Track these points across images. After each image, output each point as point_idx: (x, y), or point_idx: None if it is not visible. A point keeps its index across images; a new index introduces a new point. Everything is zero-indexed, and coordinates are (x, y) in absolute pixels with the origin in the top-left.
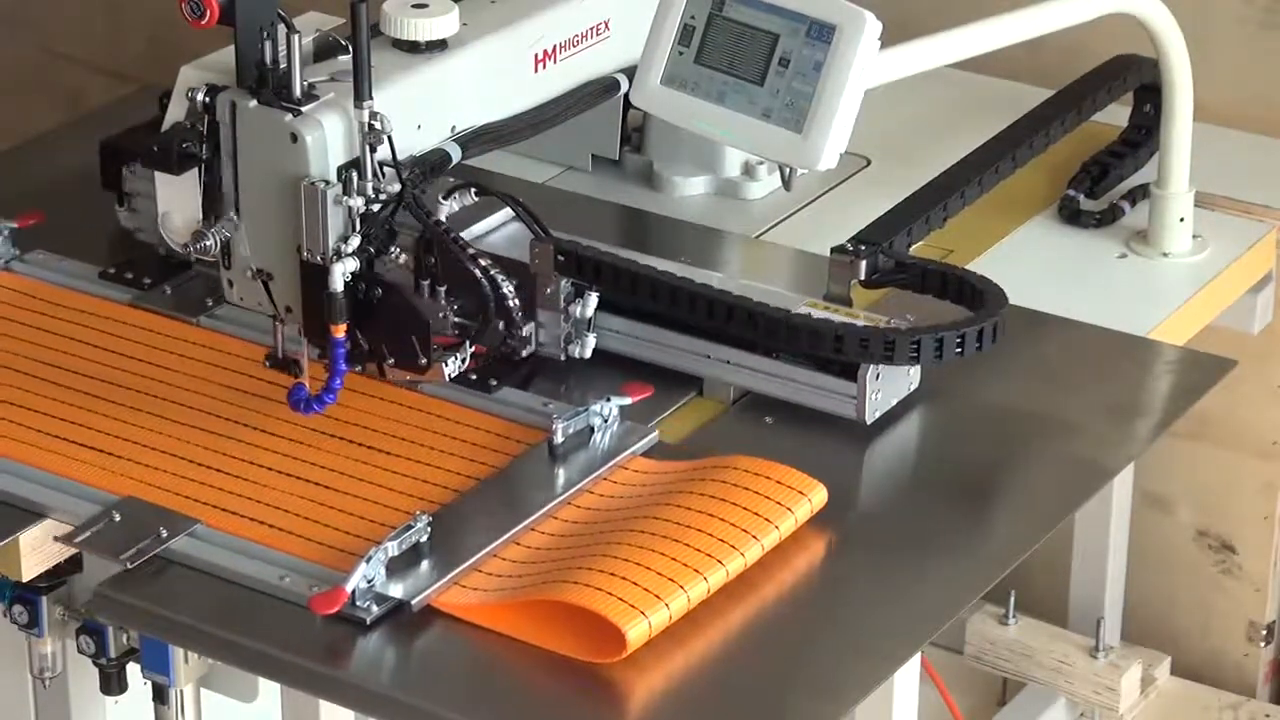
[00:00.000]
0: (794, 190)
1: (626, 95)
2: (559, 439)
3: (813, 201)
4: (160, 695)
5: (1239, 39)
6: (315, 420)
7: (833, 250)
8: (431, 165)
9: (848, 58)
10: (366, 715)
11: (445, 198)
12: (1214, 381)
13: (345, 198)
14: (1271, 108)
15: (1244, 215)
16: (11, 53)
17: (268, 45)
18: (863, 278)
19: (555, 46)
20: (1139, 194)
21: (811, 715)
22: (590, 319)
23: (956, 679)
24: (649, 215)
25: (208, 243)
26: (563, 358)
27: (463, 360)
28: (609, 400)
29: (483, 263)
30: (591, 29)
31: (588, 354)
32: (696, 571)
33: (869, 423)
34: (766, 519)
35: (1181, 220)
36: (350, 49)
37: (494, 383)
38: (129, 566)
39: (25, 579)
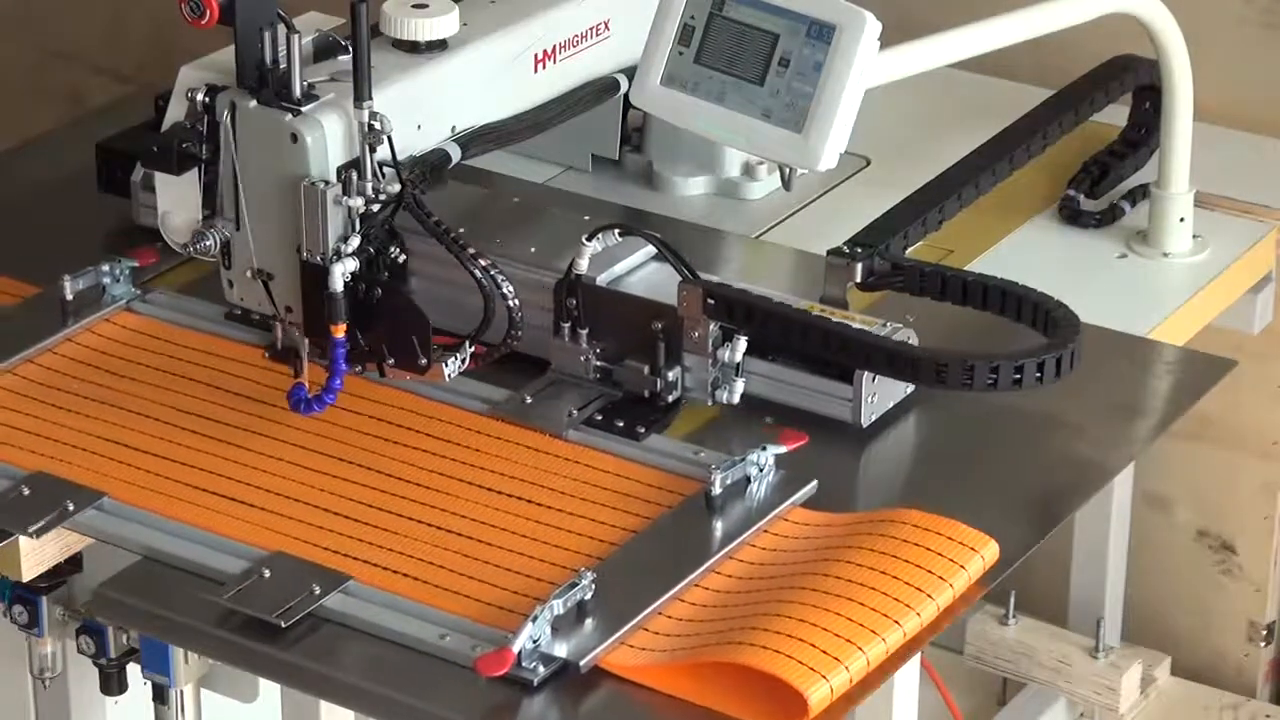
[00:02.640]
0: (794, 190)
1: (626, 95)
2: (717, 490)
3: (812, 201)
4: (160, 695)
5: (1239, 39)
6: (462, 470)
7: (829, 253)
8: (431, 165)
9: (848, 58)
10: None
11: (589, 239)
12: (1214, 381)
13: (345, 198)
14: (1271, 108)
15: (1244, 215)
16: (11, 53)
17: (268, 45)
18: (859, 280)
19: (555, 46)
20: (1139, 194)
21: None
22: (739, 363)
23: (956, 679)
24: (649, 215)
25: (208, 243)
26: (709, 403)
27: (462, 361)
28: (765, 449)
29: (483, 263)
30: (591, 29)
31: (736, 399)
32: (874, 633)
33: (865, 425)
34: (940, 577)
35: (1181, 220)
36: (350, 49)
37: (641, 430)
38: (283, 625)
39: (25, 579)
